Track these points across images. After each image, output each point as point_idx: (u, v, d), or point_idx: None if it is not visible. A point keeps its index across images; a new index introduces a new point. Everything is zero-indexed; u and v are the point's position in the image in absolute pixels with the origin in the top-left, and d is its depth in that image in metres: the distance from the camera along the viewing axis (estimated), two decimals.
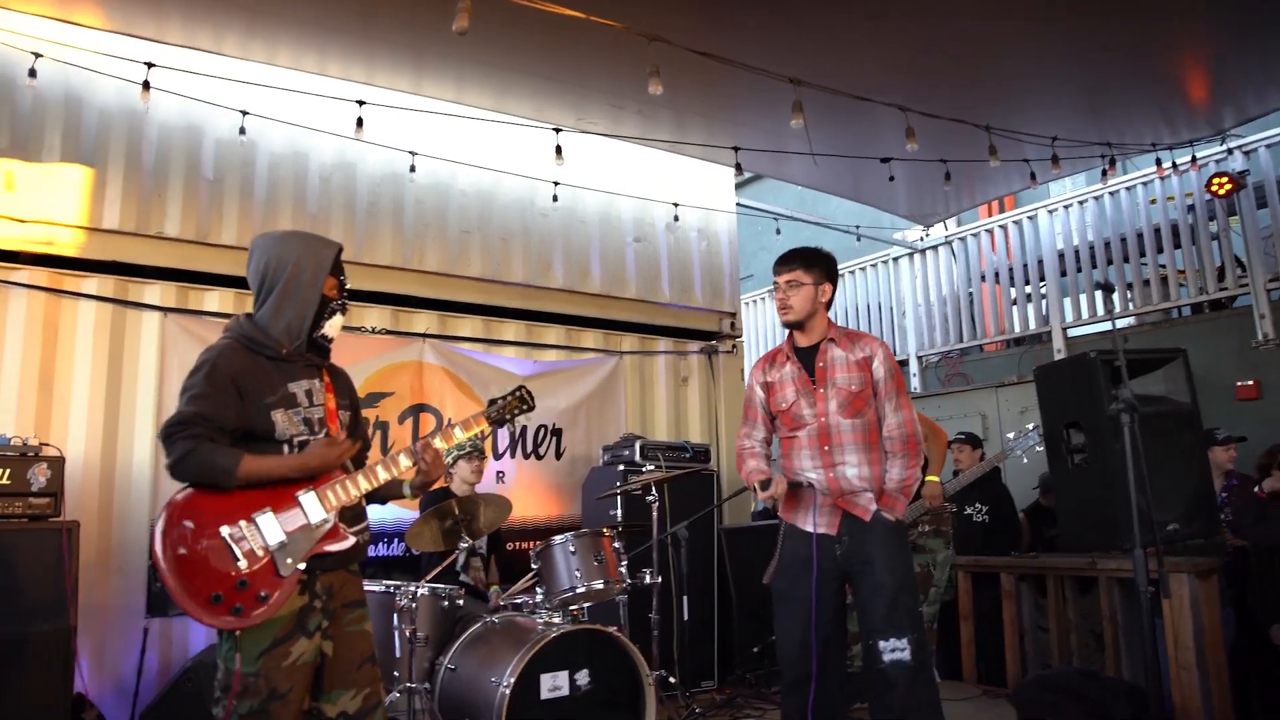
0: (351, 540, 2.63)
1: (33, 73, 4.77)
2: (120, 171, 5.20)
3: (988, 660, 5.69)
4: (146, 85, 4.85)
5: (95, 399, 4.95)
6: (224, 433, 2.50)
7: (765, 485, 3.34)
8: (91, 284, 5.08)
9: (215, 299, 5.40)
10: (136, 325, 5.17)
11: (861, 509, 3.37)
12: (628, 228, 7.08)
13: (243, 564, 2.44)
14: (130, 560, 4.89)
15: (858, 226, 8.94)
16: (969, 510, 6.29)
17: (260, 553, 2.47)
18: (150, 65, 4.88)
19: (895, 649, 3.19)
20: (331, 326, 2.73)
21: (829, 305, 3.58)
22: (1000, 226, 8.80)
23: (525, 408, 3.05)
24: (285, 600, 2.48)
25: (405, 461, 2.73)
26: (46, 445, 4.35)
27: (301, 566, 2.51)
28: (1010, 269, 8.65)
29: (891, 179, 6.26)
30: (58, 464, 4.27)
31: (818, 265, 3.51)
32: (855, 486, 3.38)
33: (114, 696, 4.72)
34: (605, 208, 6.95)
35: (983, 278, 8.96)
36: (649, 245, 7.18)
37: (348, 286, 2.81)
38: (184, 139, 5.41)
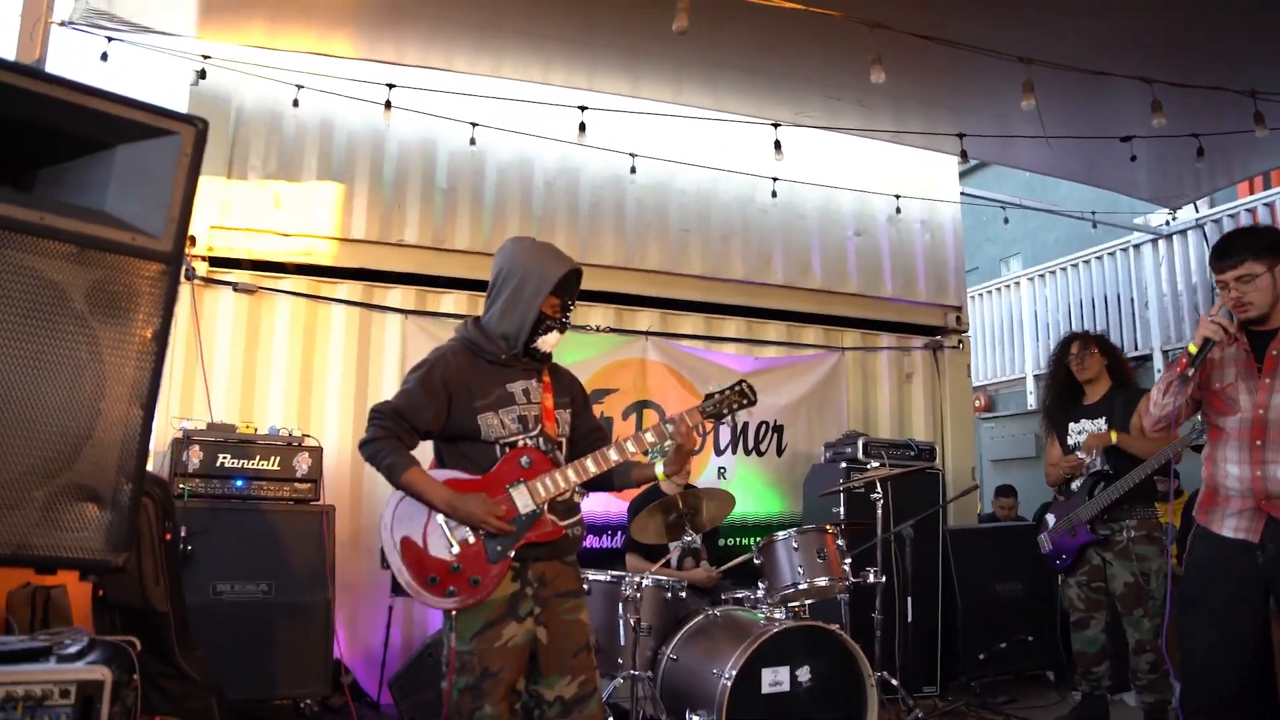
0: (561, 532, 2.73)
1: (295, 103, 5.32)
2: (365, 186, 5.67)
3: None
4: (388, 104, 5.24)
5: (346, 394, 5.41)
6: (416, 432, 2.70)
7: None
8: (342, 289, 5.56)
9: (450, 301, 5.76)
10: (381, 326, 5.60)
11: None
12: (848, 221, 6.96)
13: (456, 549, 2.63)
14: (377, 543, 5.22)
15: (1093, 213, 8.35)
16: None
17: (472, 540, 2.64)
18: (391, 86, 5.26)
19: None
20: (545, 342, 2.80)
21: None
22: (1265, 204, 7.96)
23: (746, 402, 2.95)
24: (496, 585, 2.63)
25: (613, 455, 2.78)
26: (307, 436, 4.78)
27: (511, 555, 2.65)
28: None
29: (1134, 159, 5.80)
30: (317, 453, 4.70)
31: (1268, 248, 2.99)
32: None
33: (365, 665, 5.12)
34: (824, 202, 6.85)
35: None
36: (870, 239, 7.02)
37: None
38: (420, 152, 5.81)
